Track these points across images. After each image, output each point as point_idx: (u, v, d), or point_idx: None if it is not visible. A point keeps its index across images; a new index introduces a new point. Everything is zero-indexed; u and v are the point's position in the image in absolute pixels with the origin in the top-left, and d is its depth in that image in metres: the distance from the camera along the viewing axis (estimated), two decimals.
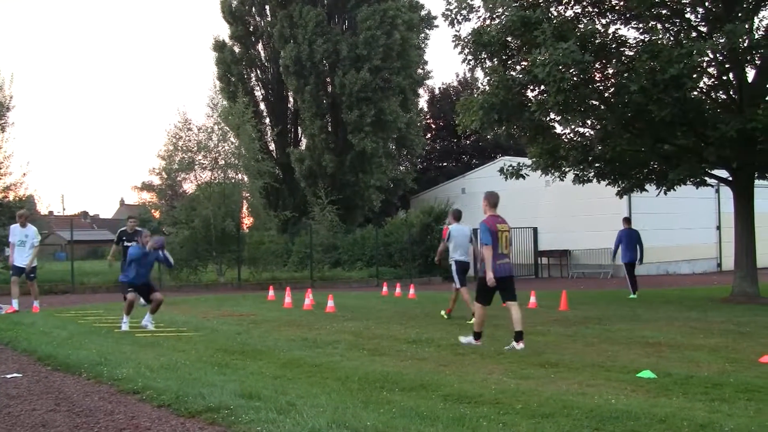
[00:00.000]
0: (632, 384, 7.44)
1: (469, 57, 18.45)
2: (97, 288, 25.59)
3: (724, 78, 18.10)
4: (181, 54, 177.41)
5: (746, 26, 15.54)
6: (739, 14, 16.08)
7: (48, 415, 6.60)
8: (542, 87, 17.13)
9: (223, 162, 29.32)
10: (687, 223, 33.59)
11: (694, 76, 16.06)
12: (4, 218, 26.29)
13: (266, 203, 32.80)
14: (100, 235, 77.45)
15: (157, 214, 29.51)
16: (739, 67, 17.49)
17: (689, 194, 24.67)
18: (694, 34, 17.68)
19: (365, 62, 34.27)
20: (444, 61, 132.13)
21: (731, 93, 18.19)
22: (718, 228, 35.60)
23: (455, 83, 50.11)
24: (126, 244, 17.50)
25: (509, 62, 18.69)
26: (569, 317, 14.34)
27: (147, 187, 29.86)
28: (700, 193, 24.22)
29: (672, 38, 17.82)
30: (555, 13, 17.79)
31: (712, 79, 18.46)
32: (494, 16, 17.72)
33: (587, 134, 20.11)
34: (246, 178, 30.18)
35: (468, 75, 47.82)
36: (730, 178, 19.03)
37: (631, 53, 17.59)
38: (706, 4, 17.92)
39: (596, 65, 17.48)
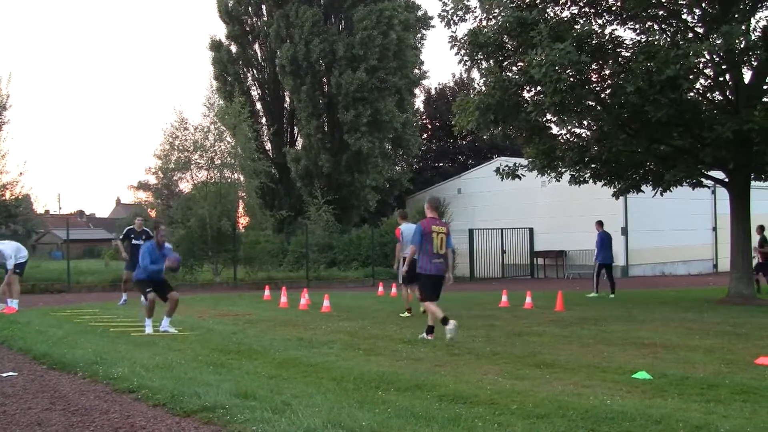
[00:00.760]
0: (628, 385, 7.44)
1: (466, 57, 18.45)
2: (93, 287, 25.58)
3: (721, 79, 18.12)
4: (177, 53, 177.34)
5: (743, 27, 15.55)
6: (736, 15, 16.09)
7: (43, 413, 6.59)
8: (539, 88, 17.14)
9: (220, 161, 29.32)
10: (683, 225, 33.65)
11: (691, 77, 16.08)
12: (1, 217, 26.31)
13: (262, 203, 32.81)
14: (96, 234, 77.37)
15: (153, 214, 29.48)
16: (735, 69, 17.51)
17: (685, 195, 24.71)
18: (690, 35, 17.69)
19: (361, 62, 34.31)
20: (440, 62, 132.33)
21: (728, 94, 18.20)
22: (714, 229, 35.69)
23: (451, 83, 50.20)
24: (135, 242, 17.73)
25: (506, 63, 18.69)
26: (565, 318, 14.34)
27: (143, 186, 29.88)
28: (696, 194, 24.26)
29: (668, 39, 17.82)
30: (551, 14, 17.78)
31: (709, 80, 18.48)
32: (490, 16, 17.72)
33: (584, 135, 20.12)
34: (242, 178, 30.19)
35: (464, 75, 47.77)
36: (726, 180, 19.05)
37: (628, 54, 17.60)
38: (703, 5, 17.94)
39: (593, 66, 17.47)
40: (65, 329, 12.44)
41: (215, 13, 40.03)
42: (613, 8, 18.43)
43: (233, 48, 39.92)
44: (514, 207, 34.18)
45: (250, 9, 39.62)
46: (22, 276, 16.79)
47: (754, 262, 20.79)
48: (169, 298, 12.56)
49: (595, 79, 18.25)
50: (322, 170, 35.94)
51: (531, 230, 34.41)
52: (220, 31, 48.04)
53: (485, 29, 17.73)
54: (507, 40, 17.99)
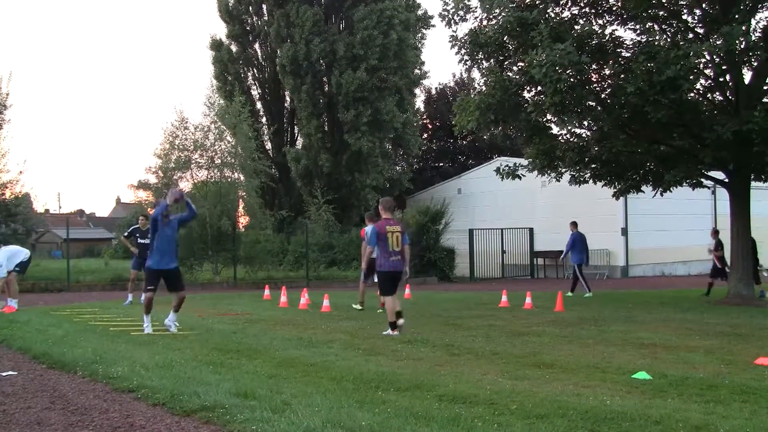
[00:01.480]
0: (627, 385, 7.44)
1: (466, 57, 18.47)
2: (93, 286, 25.62)
3: (721, 80, 18.12)
4: (178, 53, 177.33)
5: (743, 28, 15.54)
6: (736, 16, 16.08)
7: (43, 413, 6.59)
8: (539, 88, 17.15)
9: (220, 161, 29.32)
10: (683, 225, 33.63)
11: (691, 77, 16.07)
12: (0, 216, 26.30)
13: (262, 202, 32.79)
14: (96, 234, 77.42)
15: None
16: (735, 69, 17.52)
17: (685, 196, 24.70)
18: (691, 36, 17.70)
19: (362, 62, 34.30)
20: (441, 61, 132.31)
21: (728, 95, 18.20)
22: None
23: (452, 83, 50.23)
24: (140, 240, 17.80)
25: (506, 63, 18.71)
26: (565, 318, 14.34)
27: (143, 185, 29.83)
28: (696, 194, 24.26)
29: (669, 40, 17.84)
30: (552, 14, 17.76)
31: (709, 81, 18.48)
32: (491, 16, 17.72)
33: (584, 135, 20.14)
34: (242, 177, 30.18)
35: (465, 75, 47.81)
36: (727, 180, 19.05)
37: (628, 54, 17.61)
38: (704, 5, 17.95)
39: (593, 66, 17.46)
40: (65, 328, 12.43)
41: (216, 12, 40.06)
42: (614, 9, 18.44)
43: (234, 47, 39.92)
44: (514, 207, 34.19)
45: (250, 8, 39.60)
46: (24, 275, 16.75)
47: (710, 265, 21.21)
48: (176, 295, 12.45)
49: (595, 80, 18.25)
50: (322, 170, 35.93)
51: (531, 230, 34.41)
52: (221, 30, 48.14)
53: (486, 29, 17.75)
54: (507, 40, 17.99)
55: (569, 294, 20.51)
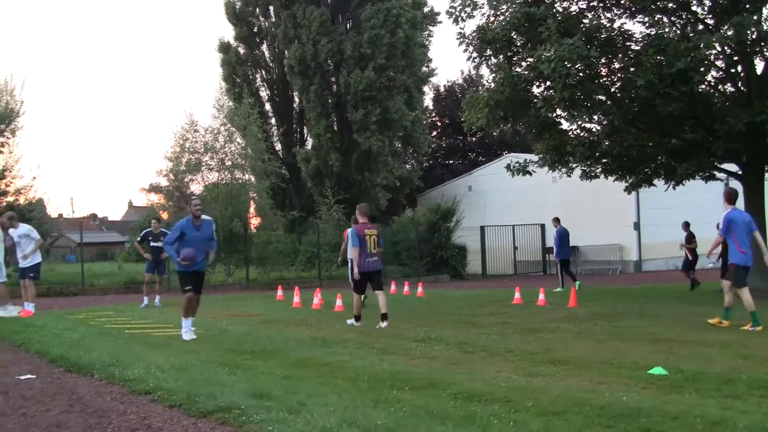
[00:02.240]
0: (643, 381, 7.40)
1: (474, 54, 18.45)
2: (107, 289, 25.73)
3: (732, 71, 18.03)
4: (186, 56, 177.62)
5: (754, 18, 15.46)
6: (747, 6, 15.98)
7: (62, 416, 6.62)
8: (548, 83, 17.13)
9: (230, 163, 29.41)
10: (696, 218, 33.43)
11: (702, 69, 16.00)
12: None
13: (273, 203, 32.85)
14: (109, 237, 77.71)
15: (165, 216, 29.59)
16: (747, 60, 17.41)
17: (698, 189, 24.58)
18: (701, 27, 17.61)
19: (369, 61, 34.27)
20: (449, 59, 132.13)
21: (739, 86, 18.11)
22: None
23: (460, 80, 50.15)
24: (153, 244, 17.94)
25: (514, 59, 18.68)
26: (578, 314, 14.29)
27: (155, 188, 29.98)
28: (709, 187, 24.12)
29: (678, 32, 17.75)
30: (560, 9, 17.72)
31: (720, 72, 18.39)
32: (498, 12, 17.70)
33: (594, 130, 20.07)
34: (253, 179, 30.26)
35: (473, 72, 47.77)
36: (740, 172, 18.95)
37: (638, 48, 17.55)
38: None
39: (602, 60, 17.42)
40: (81, 332, 12.49)
41: (223, 15, 40.09)
42: (622, 1, 18.35)
43: (241, 49, 39.95)
44: (525, 203, 34.10)
45: (257, 10, 39.62)
46: (38, 279, 16.83)
47: (682, 260, 21.53)
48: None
49: (604, 74, 18.20)
50: (332, 170, 35.93)
51: (542, 226, 34.32)
52: (228, 33, 48.16)
53: (493, 25, 17.72)
54: (515, 36, 17.97)
55: (557, 289, 20.74)
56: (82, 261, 28.76)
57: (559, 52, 15.32)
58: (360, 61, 34.58)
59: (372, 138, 34.32)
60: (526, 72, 18.01)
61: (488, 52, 18.38)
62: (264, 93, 40.64)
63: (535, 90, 18.42)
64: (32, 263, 16.19)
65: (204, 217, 11.92)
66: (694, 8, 18.30)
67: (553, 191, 32.40)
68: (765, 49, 17.02)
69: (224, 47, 39.67)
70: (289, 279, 27.57)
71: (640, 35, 18.01)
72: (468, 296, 20.05)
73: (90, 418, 6.52)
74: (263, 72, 40.71)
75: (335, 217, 32.78)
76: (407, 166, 41.66)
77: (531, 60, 17.52)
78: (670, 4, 18.07)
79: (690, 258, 20.80)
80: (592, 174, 20.37)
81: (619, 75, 18.09)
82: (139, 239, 19.05)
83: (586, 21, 17.33)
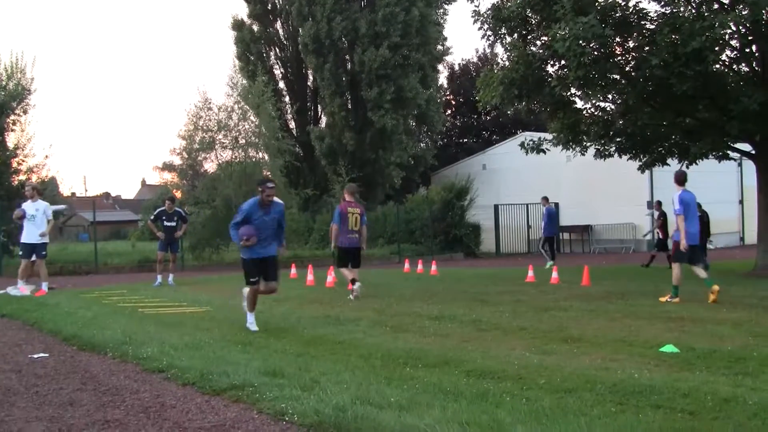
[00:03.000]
0: (655, 359, 7.42)
1: (489, 32, 18.37)
2: (120, 268, 25.88)
3: (747, 50, 17.86)
4: (200, 33, 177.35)
5: None
6: None
7: (75, 394, 6.68)
8: (562, 62, 17.04)
9: (244, 141, 29.42)
10: (709, 198, 33.26)
11: (716, 48, 15.88)
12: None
13: (287, 181, 32.84)
14: (122, 216, 78.14)
15: (178, 194, 29.67)
16: (762, 40, 17.23)
17: (711, 168, 24.46)
18: (716, 6, 17.42)
19: (384, 39, 34.08)
20: (464, 37, 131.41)
21: (754, 65, 17.96)
22: (741, 202, 35.30)
23: (475, 59, 49.92)
24: (167, 223, 18.03)
25: (529, 37, 18.58)
26: (591, 292, 14.31)
27: (168, 167, 30.04)
28: (723, 167, 24.01)
29: (694, 11, 17.58)
30: None
31: (735, 52, 18.23)
32: None
33: (608, 109, 19.98)
34: (266, 157, 30.25)
35: (488, 50, 47.49)
36: (753, 152, 18.84)
37: (652, 26, 17.39)
38: None
39: (617, 39, 17.31)
40: (94, 310, 12.56)
41: None
42: None
43: (255, 27, 39.79)
44: (539, 182, 33.97)
45: None
46: (46, 257, 16.72)
47: (655, 239, 22.01)
48: (266, 284, 10.72)
49: (619, 53, 18.08)
50: (346, 148, 35.87)
51: (556, 205, 34.21)
52: (242, 10, 48.05)
53: (508, 3, 17.62)
54: (530, 14, 17.87)
55: (549, 265, 20.94)
56: (95, 240, 28.88)
57: (574, 31, 15.24)
58: (374, 39, 34.40)
59: (386, 116, 34.19)
60: (540, 51, 17.92)
61: (503, 30, 18.29)
62: (278, 71, 40.53)
63: (550, 69, 18.33)
64: (46, 241, 16.27)
65: (276, 200, 10.62)
66: None
67: (566, 170, 32.26)
68: None
69: (238, 25, 39.55)
70: (303, 257, 27.64)
71: (655, 14, 17.83)
72: (481, 274, 20.07)
73: (103, 396, 6.57)
74: (277, 50, 40.57)
75: None
76: (421, 145, 41.58)
77: (546, 38, 17.44)
78: None
79: (661, 237, 21.06)
80: (606, 153, 20.30)
81: (633, 54, 17.97)
82: (152, 218, 19.07)
83: None
